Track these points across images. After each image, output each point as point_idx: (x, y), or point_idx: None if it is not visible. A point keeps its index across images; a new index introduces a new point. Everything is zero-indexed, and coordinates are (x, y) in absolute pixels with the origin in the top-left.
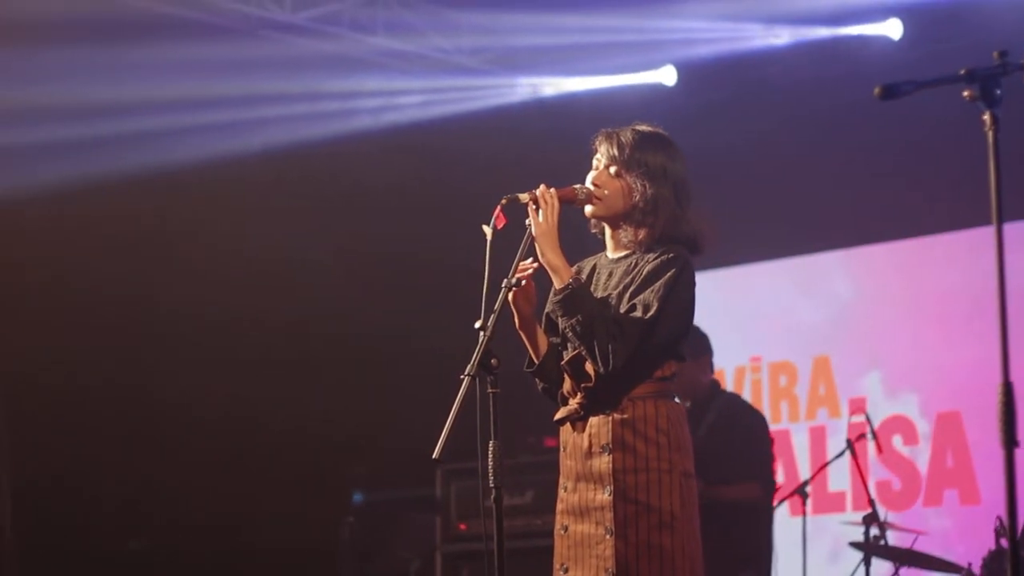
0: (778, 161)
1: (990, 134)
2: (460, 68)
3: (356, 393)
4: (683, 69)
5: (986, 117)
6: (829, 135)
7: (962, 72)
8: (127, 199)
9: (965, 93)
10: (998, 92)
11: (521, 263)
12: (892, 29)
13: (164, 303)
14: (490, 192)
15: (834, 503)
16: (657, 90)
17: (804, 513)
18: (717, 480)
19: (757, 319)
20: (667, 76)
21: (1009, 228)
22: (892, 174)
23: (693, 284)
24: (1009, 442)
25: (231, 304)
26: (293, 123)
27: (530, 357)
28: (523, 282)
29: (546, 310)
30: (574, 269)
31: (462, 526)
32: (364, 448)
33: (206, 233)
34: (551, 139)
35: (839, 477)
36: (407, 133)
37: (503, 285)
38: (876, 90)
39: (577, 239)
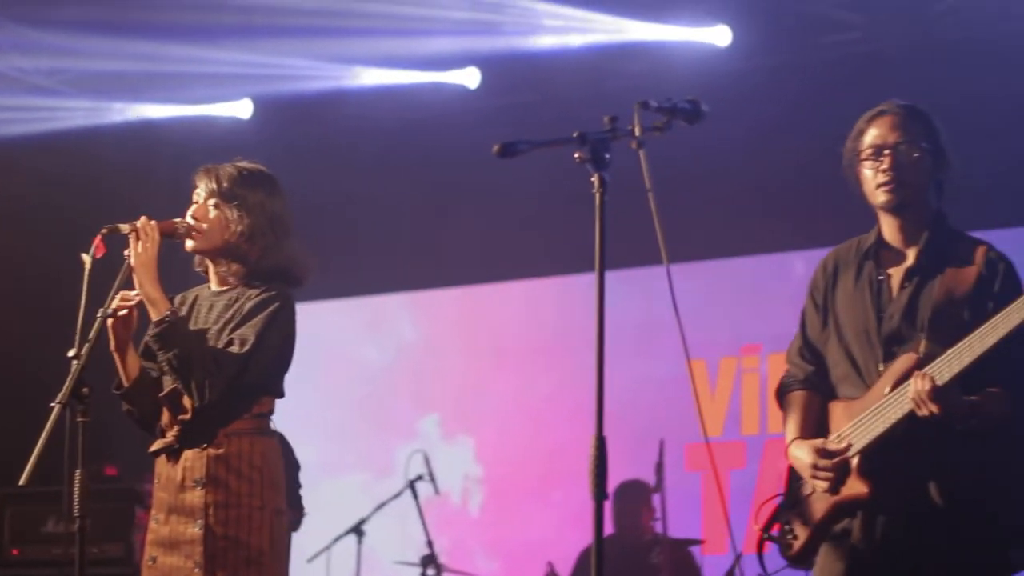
0: (352, 202)
1: (598, 196)
2: (37, 88)
3: None
4: (260, 104)
5: (594, 179)
6: (406, 179)
7: (575, 135)
8: None
9: (576, 155)
10: (607, 156)
11: (124, 293)
12: (470, 78)
13: None
14: (63, 217)
15: (391, 543)
16: (238, 122)
17: (359, 553)
18: None
19: (318, 355)
20: (243, 109)
21: (561, 280)
22: (474, 220)
23: (293, 321)
24: (599, 495)
25: None
26: None
27: (119, 379)
28: (121, 312)
29: (145, 339)
30: (177, 300)
31: (15, 551)
32: None
33: None
34: (132, 165)
35: (396, 516)
36: None
37: (99, 314)
38: (495, 148)
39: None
